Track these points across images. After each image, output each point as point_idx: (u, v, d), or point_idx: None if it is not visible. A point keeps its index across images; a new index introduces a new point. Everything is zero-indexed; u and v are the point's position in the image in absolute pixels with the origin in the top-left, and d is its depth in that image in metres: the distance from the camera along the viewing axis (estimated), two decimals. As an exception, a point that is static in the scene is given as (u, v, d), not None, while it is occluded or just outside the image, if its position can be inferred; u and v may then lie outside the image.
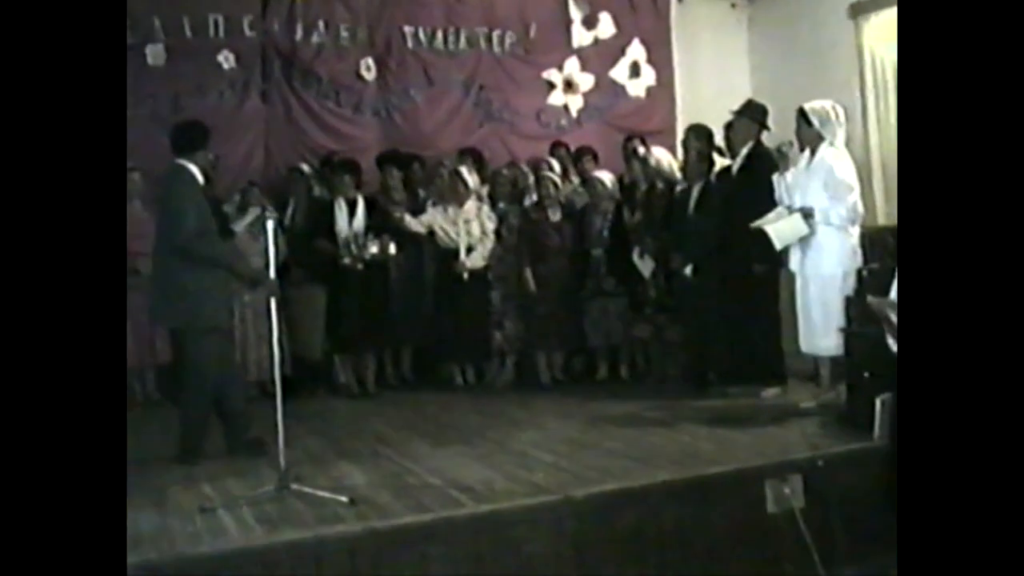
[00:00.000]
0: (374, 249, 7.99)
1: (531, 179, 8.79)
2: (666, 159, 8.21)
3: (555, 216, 8.39)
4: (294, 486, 5.08)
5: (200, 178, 5.97)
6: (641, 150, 8.69)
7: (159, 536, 4.57)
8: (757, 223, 6.64)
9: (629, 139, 9.26)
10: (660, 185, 8.07)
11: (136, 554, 4.28)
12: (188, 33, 8.70)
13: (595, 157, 9.19)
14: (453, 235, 8.25)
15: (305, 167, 8.67)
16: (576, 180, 9.04)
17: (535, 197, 8.63)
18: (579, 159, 9.25)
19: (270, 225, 5.24)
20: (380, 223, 8.13)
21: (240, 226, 7.59)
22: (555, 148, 9.45)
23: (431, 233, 8.33)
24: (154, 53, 8.61)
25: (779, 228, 6.60)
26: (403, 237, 8.21)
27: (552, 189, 8.41)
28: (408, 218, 8.16)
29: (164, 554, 4.35)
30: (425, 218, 8.28)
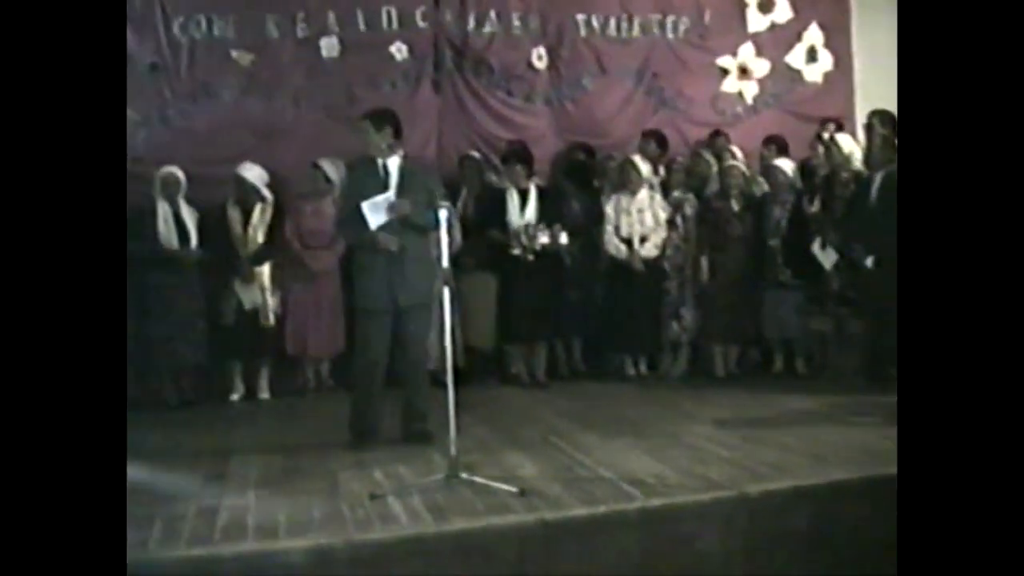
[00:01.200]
0: (545, 239, 7.95)
1: (714, 168, 8.61)
2: (848, 146, 7.93)
3: (736, 205, 8.20)
4: (464, 475, 5.08)
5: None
6: (826, 135, 8.41)
7: (330, 521, 4.62)
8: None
9: (824, 123, 8.99)
10: (844, 174, 7.78)
11: (308, 538, 4.38)
12: (362, 26, 8.84)
13: (783, 147, 8.91)
14: (626, 225, 8.15)
15: (476, 155, 8.69)
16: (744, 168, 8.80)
17: (717, 186, 8.46)
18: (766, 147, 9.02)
19: (443, 214, 5.21)
20: (554, 212, 8.09)
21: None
22: (714, 137, 9.25)
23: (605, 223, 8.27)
24: (328, 46, 8.78)
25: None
26: (576, 227, 8.16)
27: (740, 179, 8.24)
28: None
29: (335, 539, 4.39)
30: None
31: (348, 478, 5.37)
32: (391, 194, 6.06)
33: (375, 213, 6.03)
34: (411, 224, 6.01)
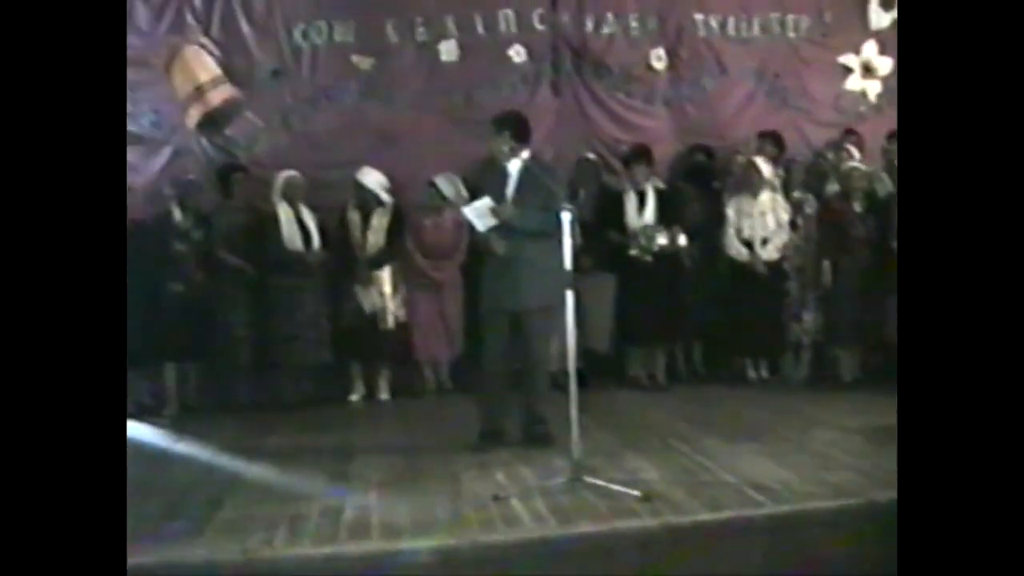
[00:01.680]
0: (663, 240, 7.90)
1: (836, 168, 8.46)
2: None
3: (859, 206, 8.04)
4: (586, 478, 5.07)
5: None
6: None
7: (454, 522, 4.65)
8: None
9: None
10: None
11: (433, 539, 4.42)
12: (480, 30, 8.91)
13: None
14: (747, 227, 8.07)
15: (593, 156, 8.67)
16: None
17: (837, 186, 8.30)
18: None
19: (566, 217, 5.19)
20: (673, 214, 8.04)
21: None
22: (846, 136, 9.07)
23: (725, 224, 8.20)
24: (447, 50, 8.88)
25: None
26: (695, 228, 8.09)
27: (863, 181, 8.08)
28: None
29: (460, 540, 4.42)
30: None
31: (471, 479, 5.40)
32: (489, 199, 6.07)
33: (478, 218, 6.09)
34: (525, 228, 6.01)
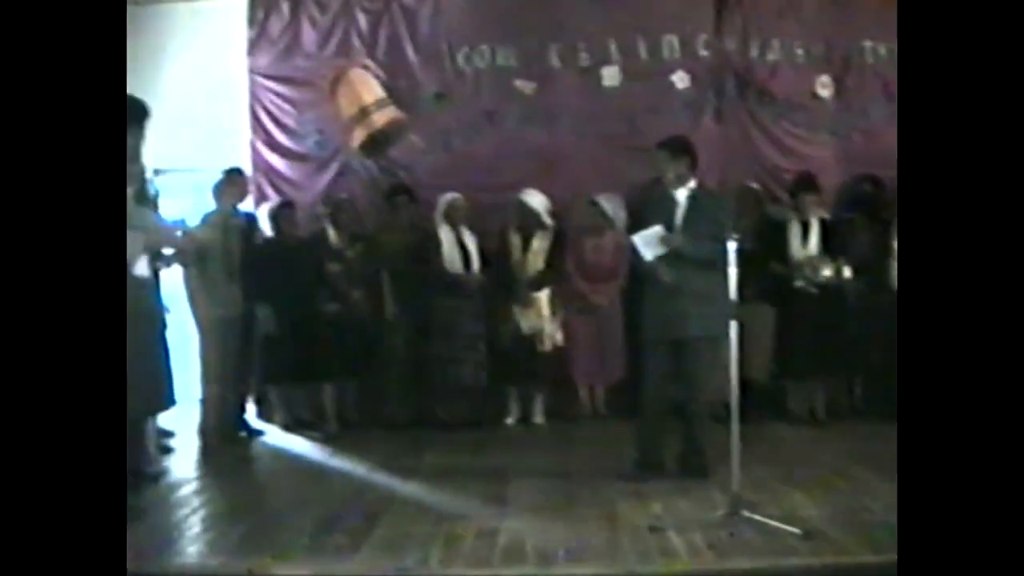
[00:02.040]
0: (828, 272, 7.74)
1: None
2: None
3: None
4: (745, 513, 5.01)
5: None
6: None
7: (610, 551, 4.65)
8: None
9: None
10: None
11: (587, 567, 4.45)
12: (643, 55, 8.89)
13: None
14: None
15: (755, 185, 8.56)
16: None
17: None
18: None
19: (732, 247, 5.15)
20: (838, 245, 7.88)
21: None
22: None
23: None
24: (610, 75, 8.90)
25: None
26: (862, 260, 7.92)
27: None
28: None
29: (616, 569, 4.42)
30: None
31: (627, 508, 5.38)
32: (660, 228, 6.03)
33: (647, 246, 6.05)
34: (694, 257, 5.97)
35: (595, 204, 8.20)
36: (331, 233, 8.13)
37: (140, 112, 5.34)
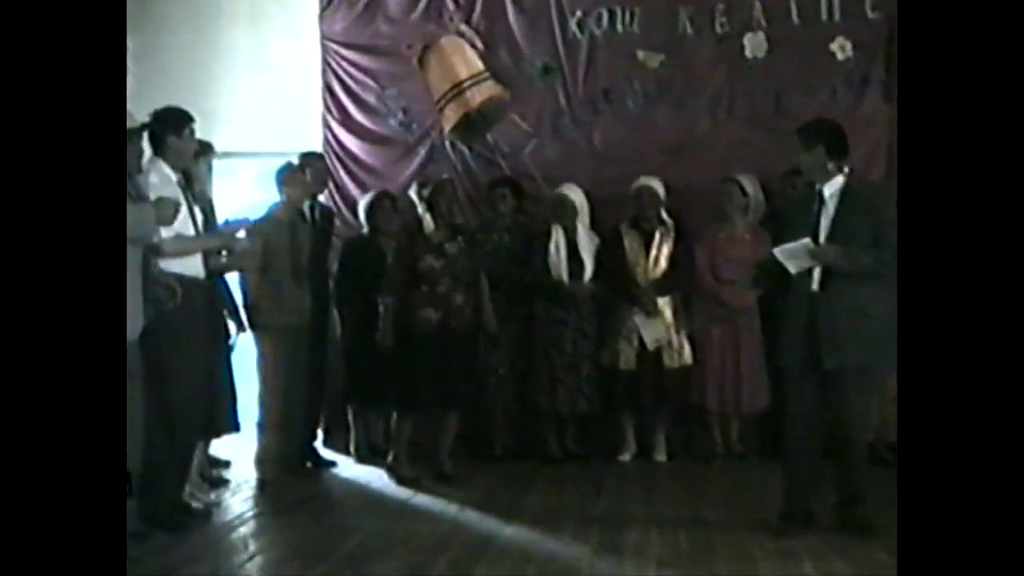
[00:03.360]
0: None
1: None
2: None
3: None
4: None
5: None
6: None
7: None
8: None
9: None
10: None
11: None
12: (795, 19, 8.64)
13: None
14: None
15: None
16: None
17: None
18: None
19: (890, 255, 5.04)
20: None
21: None
22: None
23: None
24: (753, 44, 8.67)
25: None
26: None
27: None
28: None
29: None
30: None
31: (771, 568, 5.27)
32: (807, 241, 5.77)
33: (792, 260, 5.81)
34: (850, 271, 5.74)
35: (731, 181, 8.08)
36: (428, 221, 7.58)
37: (179, 119, 6.07)
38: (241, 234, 6.46)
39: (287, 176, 7.71)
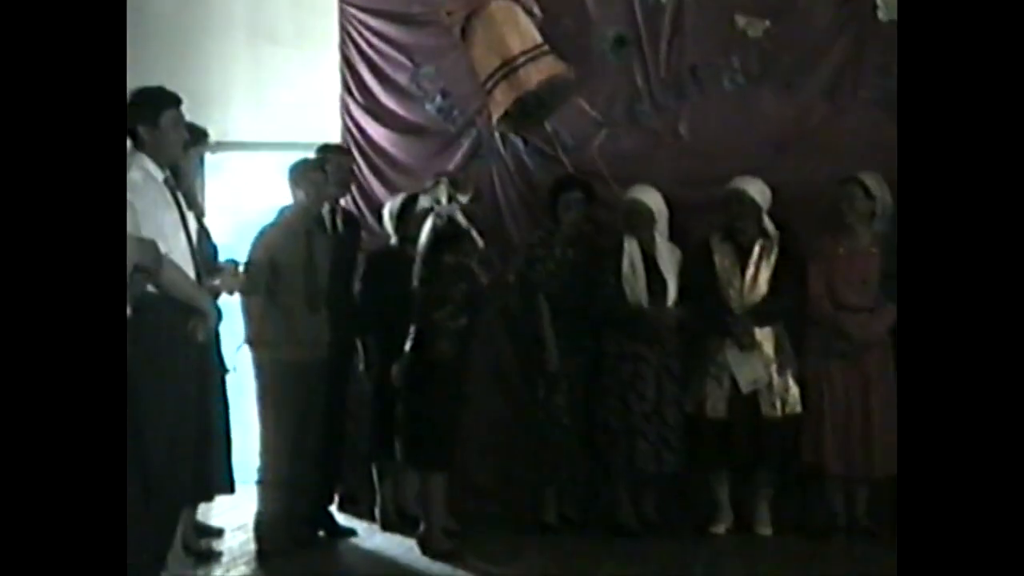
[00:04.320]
0: None
1: None
2: None
3: None
4: None
5: None
6: None
7: None
8: None
9: None
10: None
11: None
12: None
13: None
14: None
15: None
16: None
17: None
18: None
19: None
20: None
21: None
22: None
23: None
24: (887, 4, 8.04)
25: None
26: None
27: None
28: None
29: None
30: None
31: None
32: None
33: None
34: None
35: (853, 181, 7.55)
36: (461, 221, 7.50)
37: (163, 102, 5.68)
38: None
39: (301, 174, 7.41)
